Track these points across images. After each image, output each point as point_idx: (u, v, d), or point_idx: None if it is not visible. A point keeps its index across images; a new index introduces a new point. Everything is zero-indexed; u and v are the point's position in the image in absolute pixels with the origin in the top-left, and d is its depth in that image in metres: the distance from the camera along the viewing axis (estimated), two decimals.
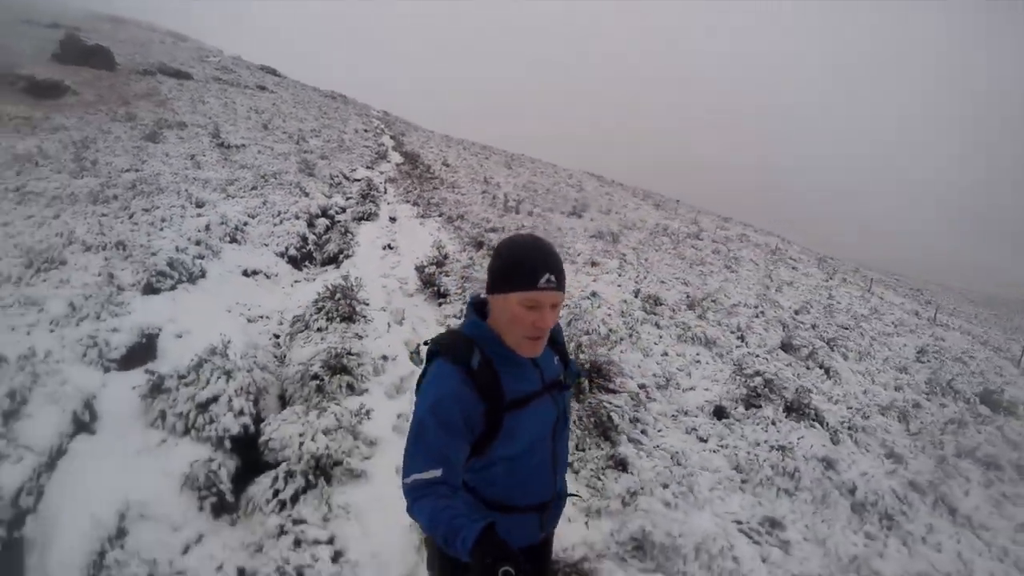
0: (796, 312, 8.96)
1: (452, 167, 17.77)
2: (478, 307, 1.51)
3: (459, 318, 5.01)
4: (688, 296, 7.91)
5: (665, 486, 3.15)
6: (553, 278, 1.37)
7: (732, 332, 6.70)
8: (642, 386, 4.47)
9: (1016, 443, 5.27)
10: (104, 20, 65.01)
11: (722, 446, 3.89)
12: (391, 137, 25.62)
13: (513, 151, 41.09)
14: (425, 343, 1.54)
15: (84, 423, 2.90)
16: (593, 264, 8.83)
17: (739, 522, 3.07)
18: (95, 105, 18.08)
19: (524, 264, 1.38)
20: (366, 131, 25.34)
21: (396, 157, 19.34)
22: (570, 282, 7.50)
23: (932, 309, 15.46)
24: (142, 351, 3.67)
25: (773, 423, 4.27)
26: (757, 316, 7.97)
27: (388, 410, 3.60)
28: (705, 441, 3.96)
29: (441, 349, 1.44)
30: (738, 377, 4.94)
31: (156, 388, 3.14)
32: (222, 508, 2.68)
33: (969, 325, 15.94)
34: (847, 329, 8.85)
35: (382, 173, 15.86)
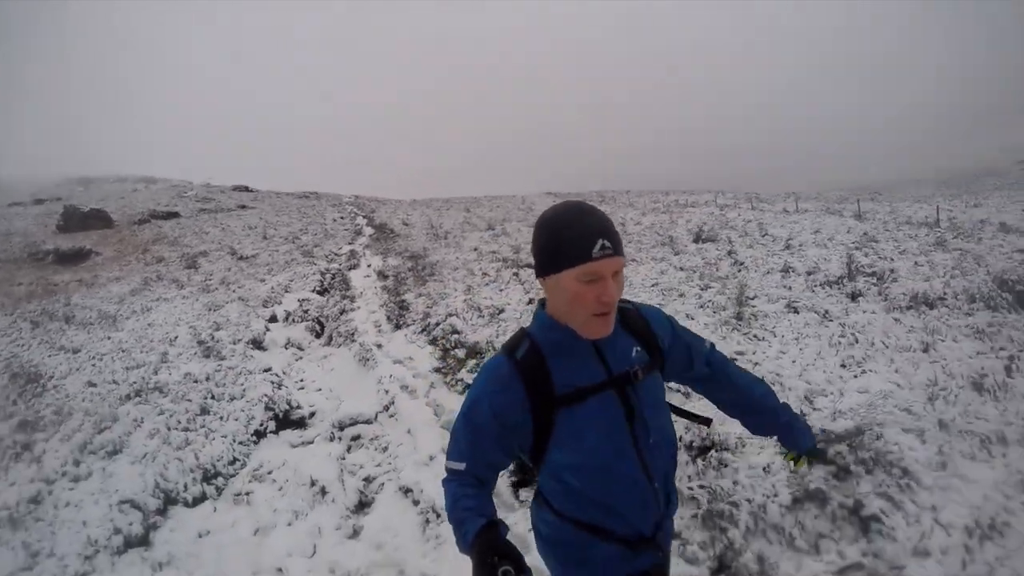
0: None
1: (410, 224, 24.86)
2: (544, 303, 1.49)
3: (380, 281, 11.81)
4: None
5: None
6: (608, 242, 1.32)
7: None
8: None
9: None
10: (75, 183, 74.46)
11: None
12: (364, 216, 32.92)
13: (477, 195, 48.86)
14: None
15: (274, 323, 9.72)
16: (473, 249, 15.64)
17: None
18: (123, 257, 24.05)
19: (572, 235, 1.33)
20: (342, 218, 32.64)
21: (369, 230, 26.37)
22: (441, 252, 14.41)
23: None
24: (272, 315, 10.50)
25: None
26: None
27: (366, 285, 10.68)
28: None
29: (503, 344, 1.50)
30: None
31: (286, 317, 10.07)
32: (319, 335, 9.50)
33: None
34: None
35: (361, 244, 22.75)
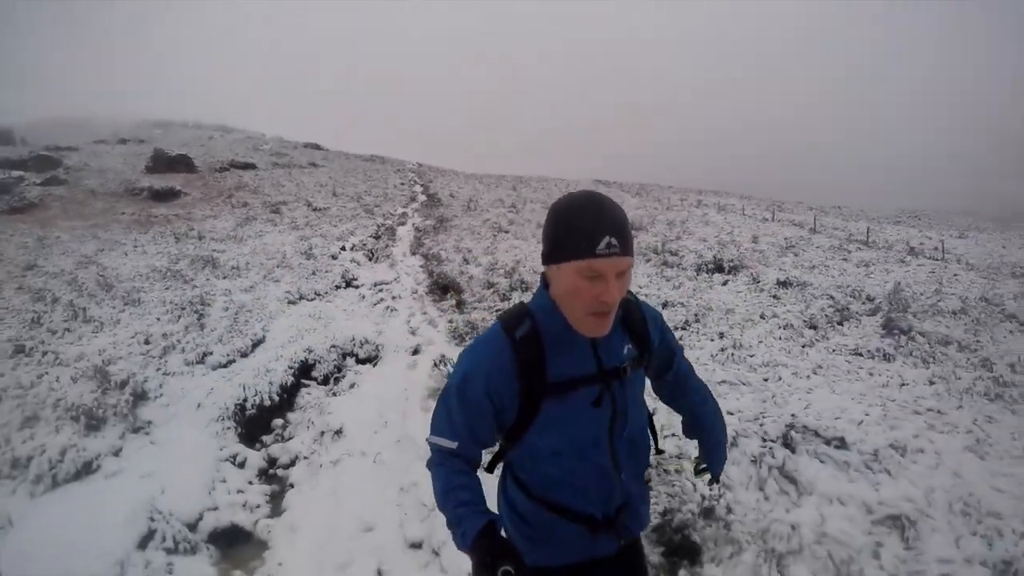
0: None
1: (455, 196, 31.92)
2: (547, 280, 1.57)
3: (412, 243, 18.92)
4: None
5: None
6: (615, 241, 1.38)
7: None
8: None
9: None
10: (153, 126, 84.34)
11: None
12: (421, 185, 40.23)
13: (531, 175, 55.82)
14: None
15: (343, 251, 16.98)
16: (485, 220, 22.51)
17: None
18: (209, 199, 29.73)
19: (579, 227, 1.39)
20: (402, 184, 40.04)
21: (422, 197, 33.59)
22: (472, 218, 21.38)
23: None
24: (342, 247, 17.77)
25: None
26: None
27: (406, 234, 18.15)
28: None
29: (500, 315, 1.60)
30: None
31: (351, 247, 17.38)
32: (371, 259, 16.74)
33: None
34: None
35: (412, 209, 29.85)
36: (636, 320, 1.67)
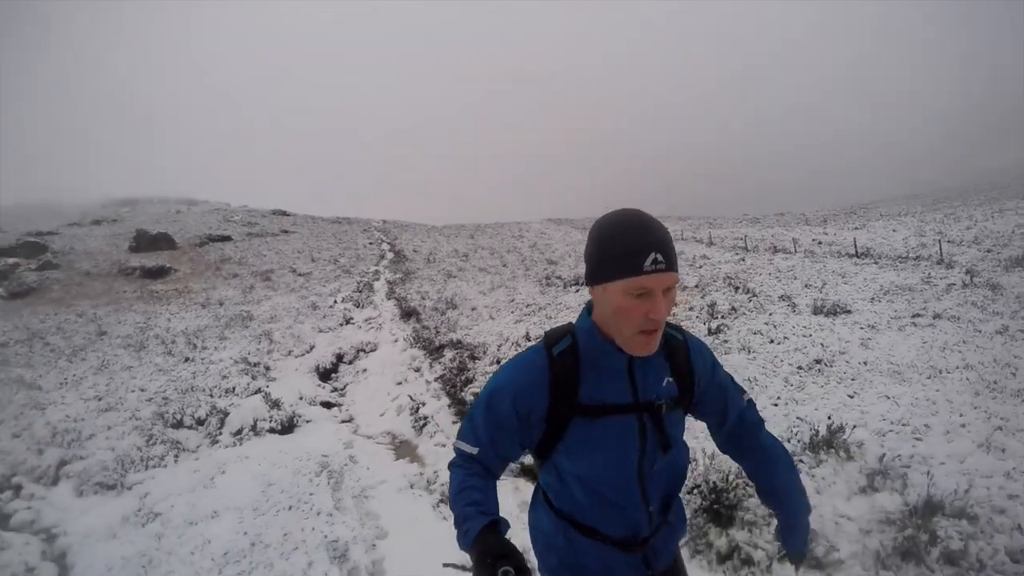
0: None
1: (418, 251, 40.17)
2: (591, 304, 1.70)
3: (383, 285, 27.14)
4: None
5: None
6: (661, 257, 1.46)
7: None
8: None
9: None
10: (120, 204, 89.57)
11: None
12: (388, 243, 48.29)
13: (485, 222, 64.25)
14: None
15: (336, 303, 25.10)
16: (441, 269, 30.80)
17: None
18: (199, 274, 35.37)
19: (624, 245, 1.48)
20: (370, 243, 47.94)
21: (390, 255, 41.65)
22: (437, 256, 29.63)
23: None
24: (335, 300, 25.90)
25: None
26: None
27: (380, 287, 26.44)
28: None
29: (547, 331, 1.73)
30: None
31: (341, 300, 25.65)
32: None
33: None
34: None
35: (383, 265, 37.67)
36: (680, 353, 1.75)
